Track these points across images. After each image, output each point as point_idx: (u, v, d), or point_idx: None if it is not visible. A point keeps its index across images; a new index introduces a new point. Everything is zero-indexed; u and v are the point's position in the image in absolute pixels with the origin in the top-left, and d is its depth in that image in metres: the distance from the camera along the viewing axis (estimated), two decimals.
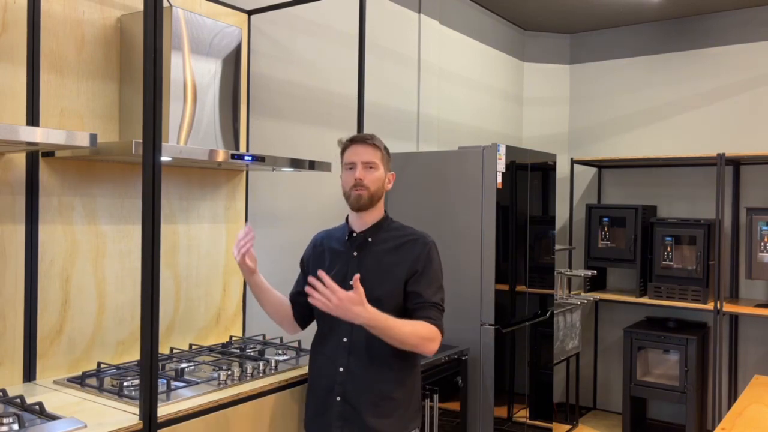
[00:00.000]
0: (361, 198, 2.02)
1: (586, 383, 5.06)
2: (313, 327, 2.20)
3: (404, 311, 2.02)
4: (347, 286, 1.99)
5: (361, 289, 1.81)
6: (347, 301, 1.79)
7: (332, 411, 2.01)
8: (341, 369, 2.01)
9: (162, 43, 1.75)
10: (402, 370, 2.04)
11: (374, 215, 2.09)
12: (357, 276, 1.82)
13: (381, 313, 1.86)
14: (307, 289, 1.82)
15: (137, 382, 2.02)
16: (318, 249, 2.18)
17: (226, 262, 2.76)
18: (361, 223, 2.09)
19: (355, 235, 2.09)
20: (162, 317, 2.46)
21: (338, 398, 2.00)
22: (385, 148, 2.12)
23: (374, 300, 1.96)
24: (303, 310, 2.17)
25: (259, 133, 2.91)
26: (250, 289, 2.17)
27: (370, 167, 2.04)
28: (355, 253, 2.06)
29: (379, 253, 2.05)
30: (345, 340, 2.02)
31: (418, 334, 1.92)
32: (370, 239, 2.07)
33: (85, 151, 2.03)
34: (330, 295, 1.79)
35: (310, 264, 2.18)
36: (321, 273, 1.83)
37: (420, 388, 2.15)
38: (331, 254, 2.12)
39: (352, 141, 2.08)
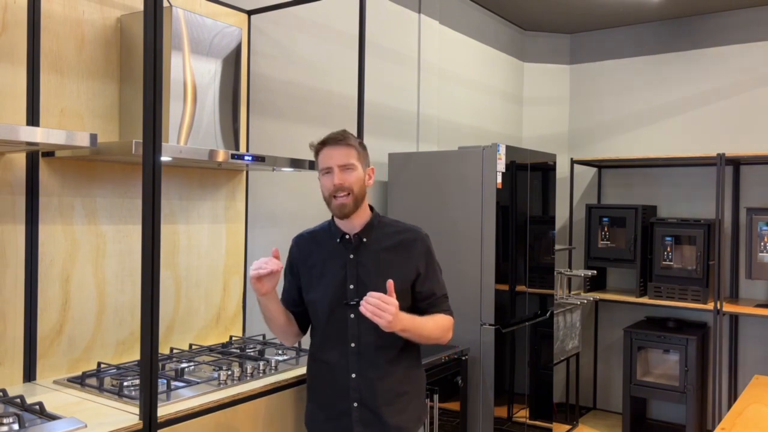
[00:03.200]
0: (345, 207, 1.94)
1: (586, 383, 5.06)
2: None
3: (414, 310, 2.02)
4: (348, 291, 1.98)
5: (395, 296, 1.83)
6: (394, 306, 1.81)
7: (350, 417, 1.97)
8: (354, 375, 1.97)
9: (162, 43, 1.75)
10: (409, 364, 2.05)
11: (363, 216, 2.02)
12: (390, 282, 1.84)
13: (408, 316, 1.90)
14: (363, 309, 1.80)
15: (137, 382, 2.02)
16: (305, 250, 2.09)
17: (226, 262, 2.76)
18: (351, 225, 2.01)
19: (348, 237, 2.02)
20: (162, 317, 2.46)
21: (355, 404, 1.97)
22: (360, 143, 2.01)
23: None
24: (302, 318, 2.10)
25: (259, 133, 2.91)
26: (260, 308, 2.02)
27: (348, 169, 1.94)
28: (352, 256, 2.00)
29: (377, 253, 2.00)
30: (353, 345, 1.98)
31: (440, 327, 2.00)
32: (365, 239, 2.01)
33: (85, 151, 2.03)
34: (385, 306, 1.78)
35: (299, 267, 2.08)
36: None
37: (425, 379, 2.17)
38: (322, 257, 2.04)
39: (324, 143, 1.97)
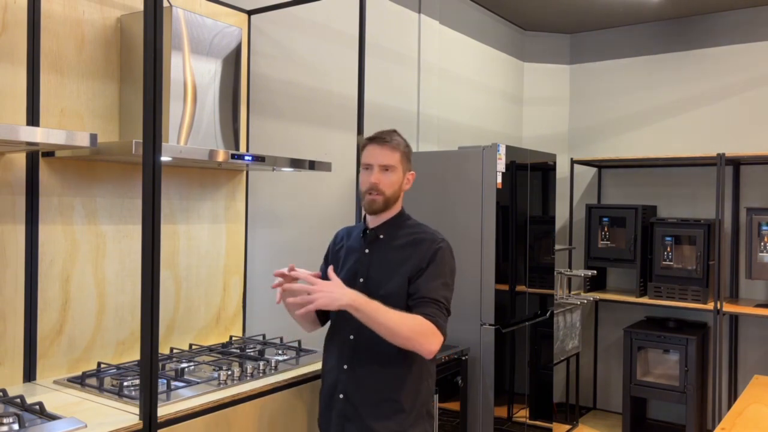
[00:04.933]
0: (374, 203, 1.99)
1: (586, 383, 5.06)
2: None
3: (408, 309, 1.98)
4: (357, 284, 2.00)
5: (335, 276, 1.87)
6: (324, 285, 1.81)
7: (335, 408, 2.00)
8: (345, 366, 2.00)
9: (162, 43, 1.75)
10: (405, 372, 1.97)
11: (389, 212, 2.06)
12: (330, 267, 1.91)
13: (365, 297, 1.84)
14: (287, 300, 1.86)
15: (137, 382, 2.02)
16: (338, 246, 2.16)
17: (226, 262, 2.76)
18: (375, 219, 2.06)
19: (368, 231, 2.07)
20: (162, 317, 2.46)
21: (341, 396, 1.99)
22: (406, 146, 2.05)
23: (380, 298, 1.91)
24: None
25: (259, 133, 2.91)
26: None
27: (387, 170, 1.99)
28: (367, 250, 2.05)
29: (387, 250, 2.03)
30: (351, 337, 2.00)
31: (408, 326, 1.82)
32: (381, 236, 2.05)
33: (85, 151, 2.03)
34: (307, 288, 1.80)
35: (331, 259, 2.17)
36: (291, 266, 1.89)
37: (428, 393, 2.04)
38: (347, 251, 2.11)
39: (370, 140, 2.02)
